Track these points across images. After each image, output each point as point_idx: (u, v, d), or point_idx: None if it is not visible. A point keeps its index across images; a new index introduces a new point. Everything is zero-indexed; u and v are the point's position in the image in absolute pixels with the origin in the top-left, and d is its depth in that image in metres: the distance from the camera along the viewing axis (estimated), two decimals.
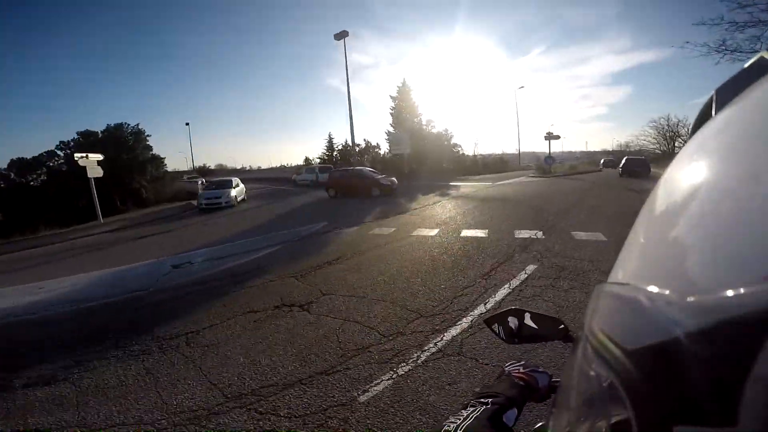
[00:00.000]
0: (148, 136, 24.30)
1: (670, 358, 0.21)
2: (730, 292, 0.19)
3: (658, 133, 46.16)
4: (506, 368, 0.78)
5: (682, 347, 0.21)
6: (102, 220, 15.95)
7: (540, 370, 0.75)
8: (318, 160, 36.88)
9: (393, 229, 8.05)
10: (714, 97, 0.47)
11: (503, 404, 0.62)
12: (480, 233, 6.99)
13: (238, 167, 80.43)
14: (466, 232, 7.16)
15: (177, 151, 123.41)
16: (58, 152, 21.55)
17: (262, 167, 78.53)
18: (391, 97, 35.25)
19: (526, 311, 0.80)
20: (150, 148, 24.25)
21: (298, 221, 10.28)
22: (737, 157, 0.27)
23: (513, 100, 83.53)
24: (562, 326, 0.76)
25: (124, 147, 22.70)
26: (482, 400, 0.64)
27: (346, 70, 29.38)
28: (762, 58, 0.46)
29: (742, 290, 0.19)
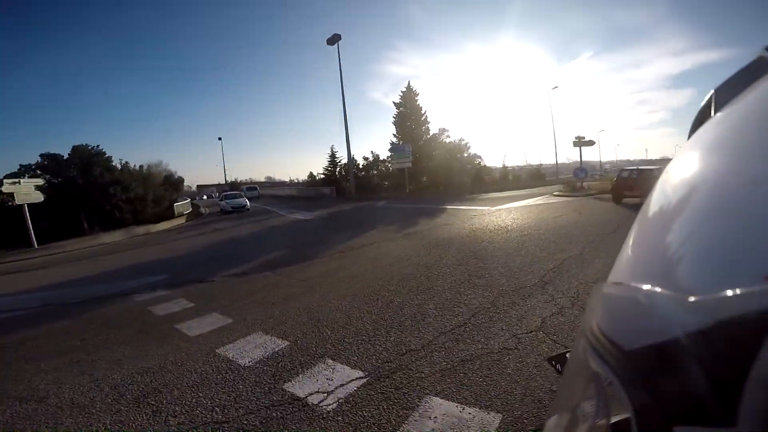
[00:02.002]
0: (108, 158, 22.83)
1: (670, 358, 0.21)
2: (729, 292, 0.20)
3: None
4: None
5: (682, 347, 0.21)
6: (37, 246, 15.00)
7: None
8: (322, 176, 33.83)
9: None
10: (713, 97, 0.46)
11: None
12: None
13: (263, 179, 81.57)
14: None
15: (214, 165, 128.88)
16: (24, 175, 20.27)
17: (286, 180, 78.27)
18: (394, 103, 31.44)
19: None
20: (112, 169, 22.44)
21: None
22: (736, 157, 0.27)
23: (547, 102, 75.70)
24: None
25: (90, 169, 21.06)
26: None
27: (340, 76, 26.58)
28: (761, 58, 0.42)
29: (741, 290, 0.19)
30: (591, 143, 20.94)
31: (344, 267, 6.28)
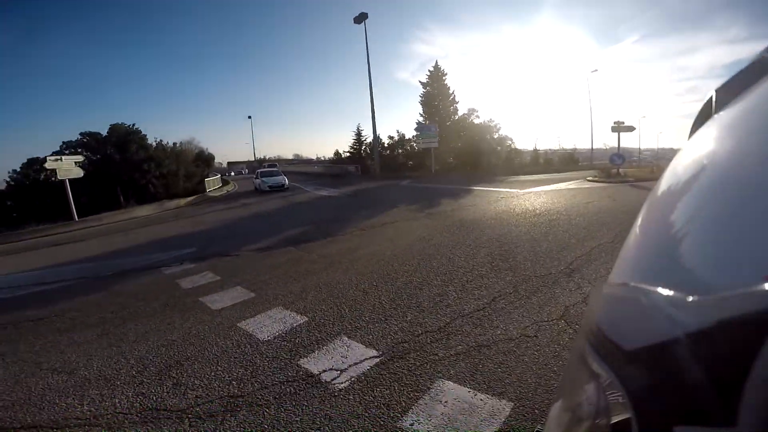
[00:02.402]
0: (143, 136, 23.59)
1: (671, 358, 0.21)
2: (730, 292, 0.20)
3: None
4: None
5: (682, 347, 0.21)
6: (77, 219, 15.61)
7: None
8: (348, 154, 33.77)
9: None
10: (714, 97, 0.46)
11: None
12: None
13: (291, 157, 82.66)
14: None
15: (244, 142, 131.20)
16: (66, 152, 21.39)
17: (312, 158, 78.78)
18: (421, 83, 30.70)
19: None
20: (146, 147, 23.22)
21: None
22: (737, 157, 0.27)
23: (585, 86, 71.21)
24: None
25: (126, 146, 21.93)
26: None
27: (367, 56, 26.14)
28: (762, 58, 0.41)
29: (742, 290, 0.19)
30: (631, 129, 19.59)
31: (365, 245, 6.26)
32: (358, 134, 32.39)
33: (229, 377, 2.71)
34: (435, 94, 29.94)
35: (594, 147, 38.51)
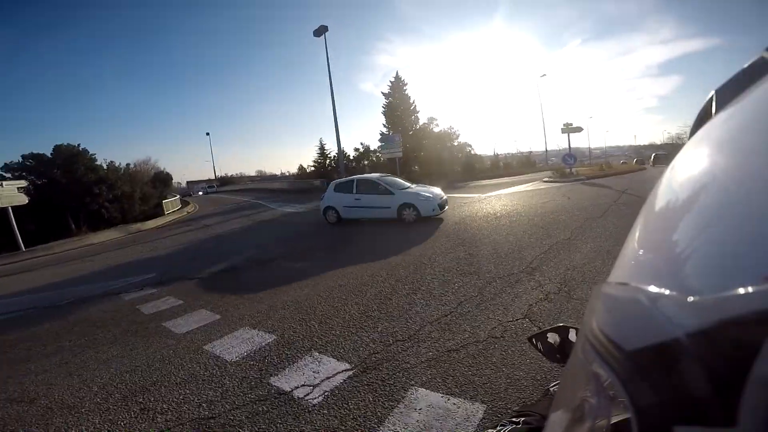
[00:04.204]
0: (92, 156, 22.22)
1: (671, 358, 0.21)
2: (730, 292, 0.20)
3: None
4: (550, 388, 0.76)
5: (682, 347, 0.21)
6: (24, 249, 14.70)
7: None
8: (312, 168, 33.55)
9: None
10: (714, 98, 0.46)
11: (536, 425, 0.58)
12: None
13: (253, 173, 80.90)
14: None
15: (204, 160, 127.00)
16: (7, 176, 19.77)
17: (277, 173, 77.54)
18: (383, 94, 31.15)
19: (570, 327, 0.75)
20: (95, 168, 21.99)
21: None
22: (737, 158, 0.27)
23: (536, 90, 75.47)
24: None
25: (73, 168, 20.62)
26: (514, 420, 0.61)
27: (328, 69, 26.00)
28: (762, 58, 0.41)
29: (742, 290, 0.19)
30: (579, 129, 21.01)
31: (333, 258, 6.25)
32: (322, 148, 32.31)
33: (198, 400, 2.64)
34: (397, 104, 30.44)
35: (548, 149, 40.62)
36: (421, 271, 4.99)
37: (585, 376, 0.31)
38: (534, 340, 0.80)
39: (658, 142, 56.57)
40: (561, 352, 0.76)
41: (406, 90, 30.79)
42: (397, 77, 31.10)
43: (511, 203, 10.58)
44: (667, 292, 0.24)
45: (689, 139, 0.38)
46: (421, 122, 30.89)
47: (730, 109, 0.33)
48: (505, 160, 38.48)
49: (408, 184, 9.88)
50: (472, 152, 31.77)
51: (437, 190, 9.65)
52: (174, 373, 3.07)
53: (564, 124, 20.96)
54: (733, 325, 0.19)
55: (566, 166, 18.88)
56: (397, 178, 10.41)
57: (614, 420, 0.27)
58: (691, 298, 0.22)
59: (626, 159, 46.85)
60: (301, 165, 37.21)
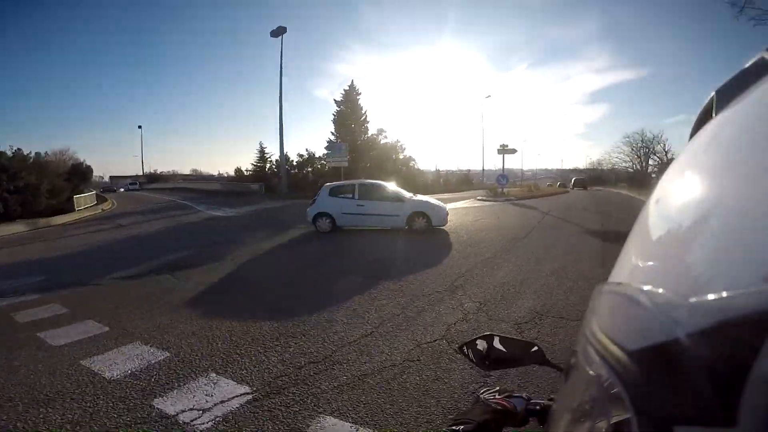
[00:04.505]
0: None
1: (671, 358, 0.21)
2: (730, 293, 0.20)
3: (632, 150, 44.34)
4: (481, 395, 0.76)
5: (682, 348, 0.21)
6: None
7: (516, 394, 0.74)
8: (250, 171, 32.06)
9: None
10: (714, 98, 0.45)
11: (473, 430, 0.61)
12: None
13: (188, 172, 75.78)
14: None
15: (132, 155, 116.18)
16: None
17: (215, 174, 73.31)
18: (335, 101, 30.95)
19: (495, 335, 0.79)
20: None
21: None
22: (737, 158, 0.27)
23: (481, 110, 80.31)
24: (536, 348, 0.76)
25: None
26: (453, 428, 0.62)
27: (280, 70, 25.62)
28: (762, 58, 0.40)
29: (742, 291, 0.19)
30: (513, 151, 22.43)
31: (252, 270, 5.84)
32: (262, 151, 30.93)
33: (61, 420, 2.32)
34: (348, 113, 30.31)
35: (486, 168, 42.96)
36: (349, 285, 4.82)
37: (585, 377, 0.30)
38: (465, 348, 0.81)
39: (582, 167, 62.53)
40: (488, 359, 0.78)
41: (359, 99, 30.87)
42: (352, 86, 31.10)
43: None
44: (667, 292, 0.24)
45: (690, 139, 0.39)
46: (370, 133, 31.07)
47: (730, 110, 0.33)
48: (445, 176, 40.08)
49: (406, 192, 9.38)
50: (416, 167, 32.53)
51: (437, 201, 9.32)
52: (38, 390, 2.66)
53: (500, 146, 22.23)
54: (733, 326, 0.19)
55: (499, 186, 20.01)
56: (390, 185, 9.66)
57: (614, 420, 0.26)
58: (691, 299, 0.22)
59: (552, 182, 51.32)
60: (238, 167, 35.20)
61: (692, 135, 0.43)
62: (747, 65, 0.43)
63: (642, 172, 43.84)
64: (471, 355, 0.81)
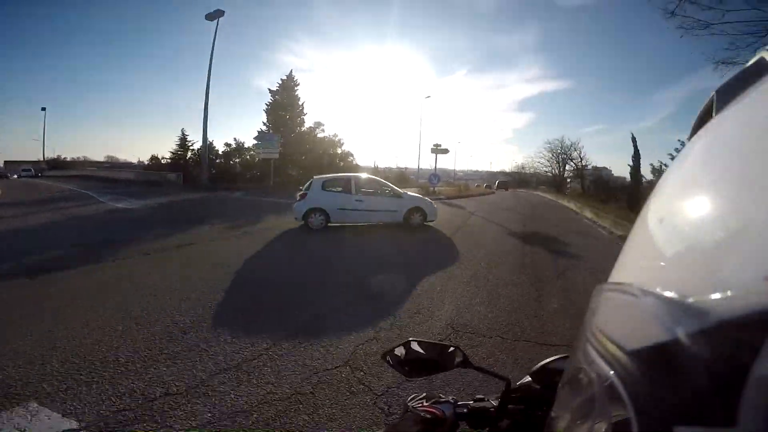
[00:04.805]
0: None
1: (671, 358, 0.22)
2: (730, 293, 0.20)
3: (552, 155, 48.00)
4: (409, 403, 0.76)
5: (682, 347, 0.21)
6: None
7: (443, 399, 0.74)
8: (167, 160, 29.02)
9: None
10: (714, 98, 0.44)
11: None
12: None
13: (102, 159, 67.68)
14: None
15: (33, 138, 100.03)
16: None
17: (134, 161, 66.03)
18: (269, 90, 29.35)
19: (414, 340, 0.78)
20: None
21: None
22: (737, 158, 0.27)
23: (421, 110, 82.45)
24: (452, 349, 0.76)
25: None
26: None
27: (212, 53, 23.46)
28: (762, 58, 0.40)
29: (742, 291, 0.19)
30: (446, 151, 22.86)
31: (139, 274, 4.89)
32: (183, 138, 28.04)
33: None
34: (284, 104, 28.79)
35: (422, 167, 43.83)
36: (242, 296, 4.17)
37: (585, 377, 0.30)
38: (387, 357, 0.80)
39: (508, 170, 66.84)
40: (408, 365, 0.77)
41: (297, 90, 29.61)
42: (290, 76, 29.74)
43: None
44: (667, 292, 0.24)
45: (690, 138, 0.39)
46: (307, 125, 29.88)
47: (729, 110, 0.34)
48: (384, 173, 40.21)
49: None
50: (354, 162, 31.98)
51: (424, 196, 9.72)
52: None
53: (434, 145, 22.56)
54: (733, 326, 0.19)
55: (431, 185, 20.27)
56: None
57: (614, 420, 0.26)
58: (691, 299, 0.22)
59: (480, 183, 54.31)
60: (154, 155, 31.47)
61: (692, 135, 0.42)
62: (747, 65, 0.42)
63: (559, 176, 47.88)
64: (391, 362, 0.79)
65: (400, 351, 0.78)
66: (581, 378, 0.31)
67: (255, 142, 24.95)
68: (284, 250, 6.60)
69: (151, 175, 26.96)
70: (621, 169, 53.07)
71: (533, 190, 45.16)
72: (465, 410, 0.71)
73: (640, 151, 27.92)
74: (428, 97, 47.08)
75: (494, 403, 0.72)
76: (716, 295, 0.20)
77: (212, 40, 23.65)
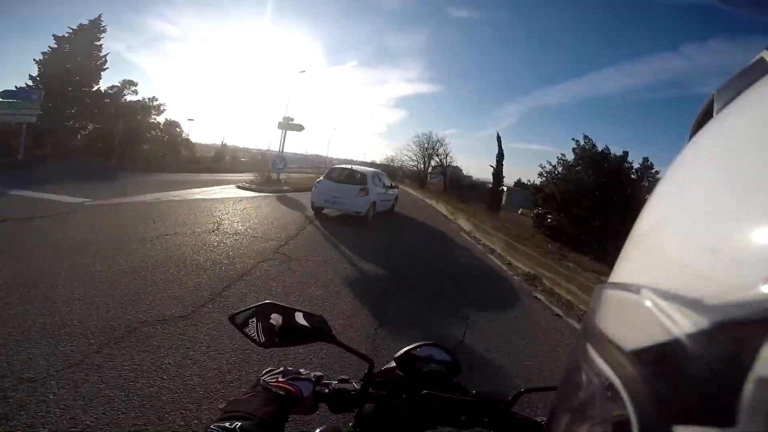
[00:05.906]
0: None
1: (671, 358, 0.22)
2: (730, 293, 0.20)
3: (419, 149, 48.37)
4: (261, 377, 0.66)
5: (682, 347, 0.21)
6: None
7: (303, 375, 0.66)
8: None
9: None
10: (714, 98, 0.44)
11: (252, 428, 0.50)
12: None
13: None
14: None
15: None
16: None
17: None
18: (54, 36, 20.92)
19: (271, 303, 0.67)
20: None
21: None
22: (737, 158, 0.27)
23: (298, 91, 75.24)
24: (319, 319, 0.67)
25: None
26: (227, 425, 0.48)
27: None
28: (762, 58, 0.40)
29: (742, 291, 0.19)
30: (300, 128, 18.14)
31: None
32: None
33: None
34: (73, 56, 20.54)
35: (287, 151, 38.82)
36: None
37: (584, 377, 0.30)
38: (236, 319, 0.68)
39: (378, 162, 66.52)
40: (267, 333, 0.66)
41: (101, 41, 21.75)
42: (95, 22, 21.68)
43: (164, 225, 6.06)
44: (667, 292, 0.24)
45: (689, 139, 0.39)
46: (109, 84, 22.01)
47: (729, 110, 0.33)
48: (234, 153, 34.15)
49: None
50: (184, 135, 25.25)
51: None
52: None
53: (283, 118, 17.94)
54: (734, 326, 0.19)
55: (274, 170, 15.65)
56: None
57: (614, 420, 0.25)
58: (691, 299, 0.22)
59: None
60: None
61: (692, 135, 0.41)
62: (747, 65, 0.41)
63: (423, 172, 48.79)
64: (243, 328, 0.67)
65: (252, 314, 0.67)
66: (581, 378, 0.30)
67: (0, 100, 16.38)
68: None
69: None
70: (468, 169, 58.06)
71: (399, 182, 44.89)
72: (326, 390, 0.65)
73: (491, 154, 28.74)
74: (303, 71, 39.24)
75: (356, 386, 0.67)
76: (716, 295, 0.20)
77: None
